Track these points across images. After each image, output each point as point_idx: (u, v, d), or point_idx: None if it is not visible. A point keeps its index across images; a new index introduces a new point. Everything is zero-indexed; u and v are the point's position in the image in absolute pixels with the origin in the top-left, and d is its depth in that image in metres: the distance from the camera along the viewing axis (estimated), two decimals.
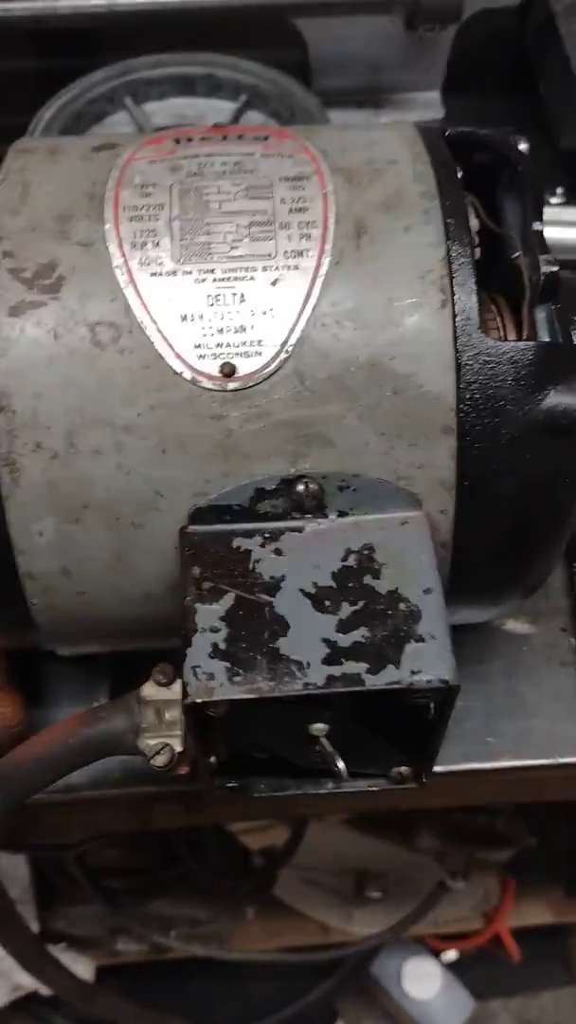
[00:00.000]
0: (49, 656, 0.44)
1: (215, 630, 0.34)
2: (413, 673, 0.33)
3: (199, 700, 0.32)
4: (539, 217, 0.41)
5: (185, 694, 0.33)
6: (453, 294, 0.35)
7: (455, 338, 0.35)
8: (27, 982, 0.99)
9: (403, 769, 0.38)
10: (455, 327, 0.35)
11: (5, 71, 0.74)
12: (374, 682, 0.33)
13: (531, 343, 0.36)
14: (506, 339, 0.39)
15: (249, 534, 0.35)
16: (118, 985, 1.05)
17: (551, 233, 0.53)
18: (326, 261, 0.35)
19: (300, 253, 0.35)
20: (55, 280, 0.35)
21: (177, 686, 0.41)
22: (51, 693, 0.50)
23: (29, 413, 0.34)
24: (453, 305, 0.35)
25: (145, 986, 1.07)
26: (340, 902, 1.02)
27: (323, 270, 0.35)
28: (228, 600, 0.34)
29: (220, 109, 0.66)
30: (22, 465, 0.35)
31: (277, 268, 0.35)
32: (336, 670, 0.33)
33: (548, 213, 0.54)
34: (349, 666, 0.33)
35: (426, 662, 0.33)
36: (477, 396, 0.35)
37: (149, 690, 0.41)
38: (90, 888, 0.97)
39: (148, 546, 0.36)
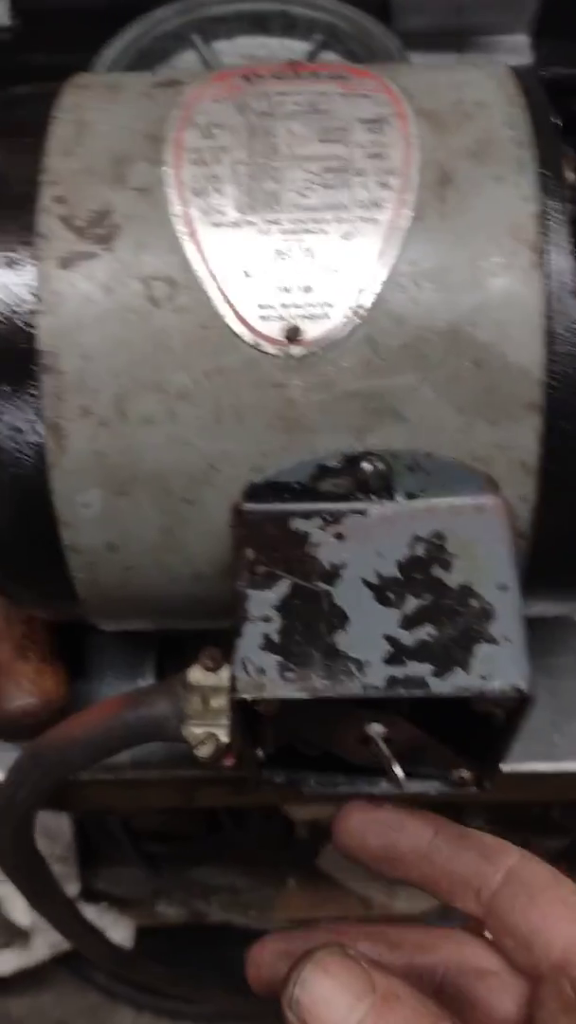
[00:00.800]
0: (94, 628, 0.42)
1: (268, 620, 0.31)
2: (483, 679, 0.30)
3: (247, 696, 0.30)
4: None
5: (233, 688, 0.30)
6: (546, 255, 0.31)
7: (546, 305, 0.31)
8: None
9: (464, 773, 0.35)
10: (547, 292, 0.31)
11: (69, 5, 0.71)
12: (440, 687, 0.30)
13: None
14: None
15: (308, 515, 0.32)
16: (157, 946, 1.05)
17: None
18: (405, 214, 0.32)
19: (377, 204, 0.32)
20: (109, 229, 0.32)
21: (224, 672, 0.39)
22: (95, 665, 0.48)
23: (77, 375, 0.32)
24: (545, 267, 0.31)
25: (184, 949, 1.07)
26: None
27: (401, 223, 0.31)
28: (283, 587, 0.31)
29: (293, 50, 0.62)
30: (68, 431, 0.32)
31: (351, 220, 0.31)
32: (398, 671, 0.30)
33: None
34: (413, 667, 0.30)
35: (498, 667, 0.30)
36: (569, 370, 0.31)
37: (196, 675, 0.38)
38: (132, 851, 0.97)
39: (199, 523, 0.33)
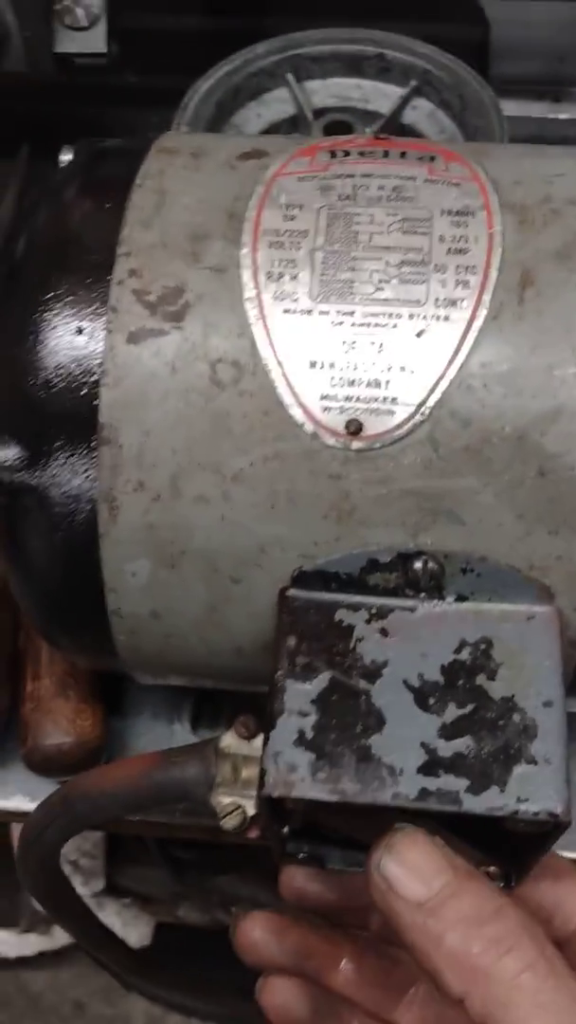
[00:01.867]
0: None
1: (304, 714, 0.30)
2: (519, 801, 0.29)
3: (276, 795, 0.29)
4: None
5: (262, 783, 0.30)
6: None
7: None
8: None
9: (491, 868, 0.35)
10: None
11: (170, 29, 0.71)
12: (473, 805, 0.29)
13: None
14: None
15: (355, 607, 0.32)
16: (175, 941, 1.06)
17: None
18: (482, 314, 0.31)
19: (453, 302, 0.31)
20: (180, 307, 0.32)
21: (258, 742, 0.38)
22: (133, 704, 0.49)
23: (136, 450, 0.32)
24: None
25: (202, 949, 1.07)
26: None
27: (477, 324, 0.31)
28: (322, 681, 0.31)
29: (387, 93, 0.62)
30: (122, 503, 0.32)
31: (425, 317, 0.31)
32: (432, 783, 0.29)
33: None
34: (447, 780, 0.29)
35: (536, 790, 0.29)
36: None
37: (228, 740, 0.38)
38: (159, 854, 0.97)
39: (244, 602, 0.33)
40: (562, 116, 0.68)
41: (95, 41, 0.60)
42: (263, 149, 0.35)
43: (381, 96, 0.61)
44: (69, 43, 0.60)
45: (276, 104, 0.61)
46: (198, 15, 0.72)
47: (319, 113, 0.61)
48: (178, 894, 1.07)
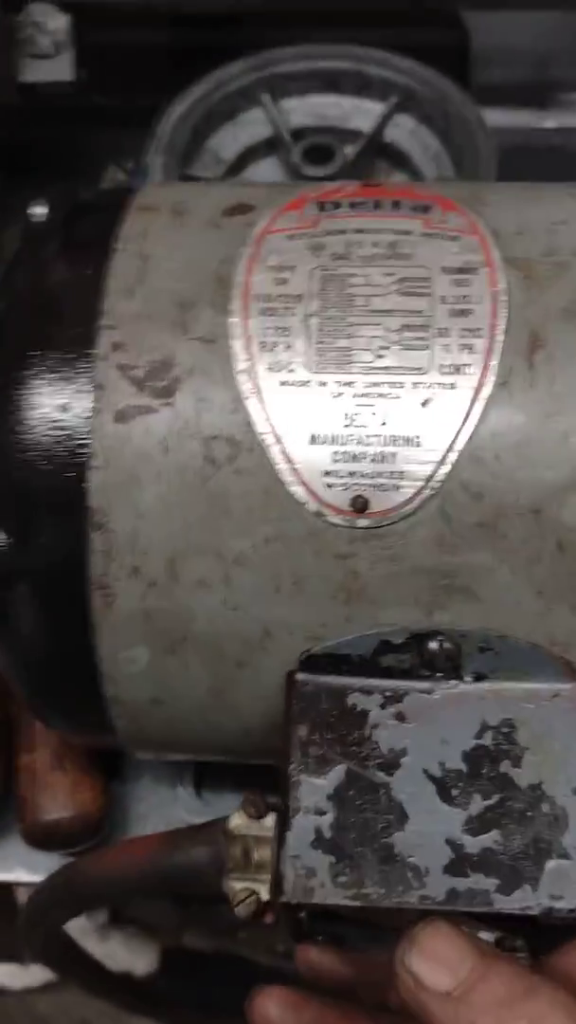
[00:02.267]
0: None
1: (320, 812, 0.29)
2: (552, 898, 0.27)
3: (295, 902, 0.28)
4: None
5: (280, 889, 0.28)
6: None
7: None
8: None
9: (518, 941, 0.33)
10: None
11: (139, 47, 0.68)
12: (504, 905, 0.27)
13: None
14: None
15: (368, 691, 0.30)
16: (181, 965, 1.05)
17: None
18: (490, 380, 0.29)
19: (458, 369, 0.29)
20: (170, 382, 0.30)
21: (268, 821, 0.36)
22: (133, 768, 0.47)
23: (129, 534, 0.30)
24: None
25: (210, 974, 1.06)
26: None
27: (485, 391, 0.29)
28: (338, 774, 0.29)
29: (367, 110, 0.59)
30: (116, 590, 0.30)
31: (429, 386, 0.29)
32: (460, 883, 0.28)
33: None
34: (476, 880, 0.28)
35: (569, 885, 0.28)
36: None
37: (237, 821, 0.36)
38: None
39: (251, 686, 0.31)
40: (548, 125, 0.66)
41: (61, 70, 0.57)
42: (248, 203, 0.33)
43: (361, 113, 0.59)
44: (35, 72, 0.57)
45: (253, 126, 0.59)
46: (166, 30, 0.70)
47: (298, 134, 0.59)
48: (183, 922, 1.06)
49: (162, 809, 0.46)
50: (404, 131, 0.59)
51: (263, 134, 0.59)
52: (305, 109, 0.60)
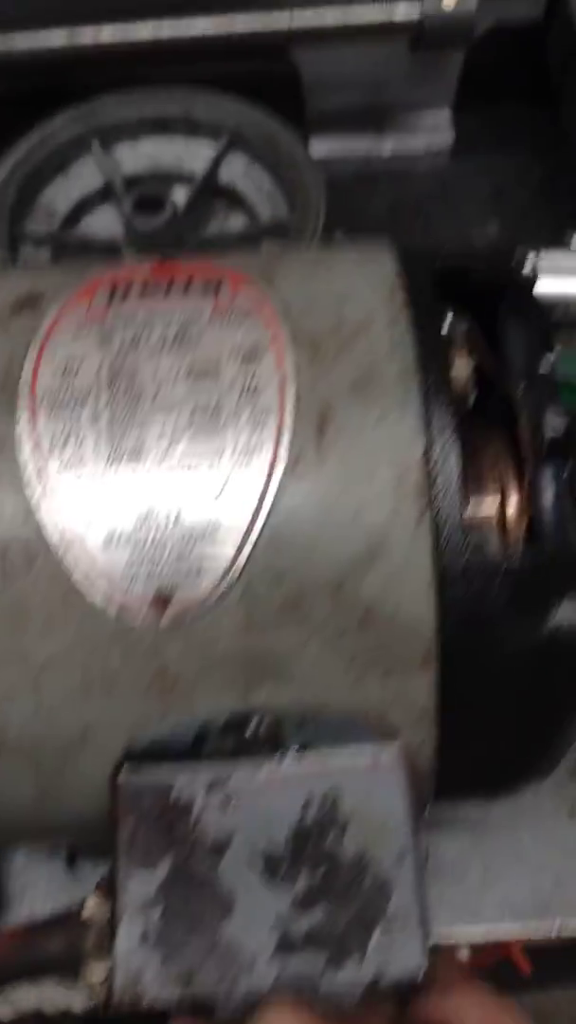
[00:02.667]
0: None
1: (147, 907, 0.29)
2: (380, 968, 0.28)
3: (126, 1000, 0.28)
4: (547, 351, 0.34)
5: (110, 991, 0.28)
6: (433, 501, 0.29)
7: (436, 555, 0.29)
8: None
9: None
10: (437, 542, 0.29)
11: None
12: (331, 983, 0.28)
13: (530, 551, 0.30)
14: (504, 511, 0.33)
15: (192, 781, 0.30)
16: None
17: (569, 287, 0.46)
18: (282, 460, 0.29)
19: (252, 451, 0.29)
20: None
21: None
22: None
23: None
24: (434, 515, 0.29)
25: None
26: None
27: (278, 472, 0.29)
28: (164, 868, 0.29)
29: (199, 152, 0.59)
30: None
31: (223, 473, 0.29)
32: (288, 964, 0.28)
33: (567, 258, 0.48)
34: (305, 959, 0.28)
35: (396, 951, 0.28)
36: (463, 619, 0.29)
37: (91, 908, 0.36)
38: None
39: (77, 785, 0.31)
40: (385, 153, 0.67)
41: None
42: (38, 293, 0.33)
43: (194, 156, 0.59)
44: None
45: (85, 177, 0.58)
46: None
47: (133, 181, 0.58)
48: None
49: (35, 887, 0.45)
50: (238, 171, 0.59)
51: (96, 184, 0.58)
52: (138, 152, 0.59)
